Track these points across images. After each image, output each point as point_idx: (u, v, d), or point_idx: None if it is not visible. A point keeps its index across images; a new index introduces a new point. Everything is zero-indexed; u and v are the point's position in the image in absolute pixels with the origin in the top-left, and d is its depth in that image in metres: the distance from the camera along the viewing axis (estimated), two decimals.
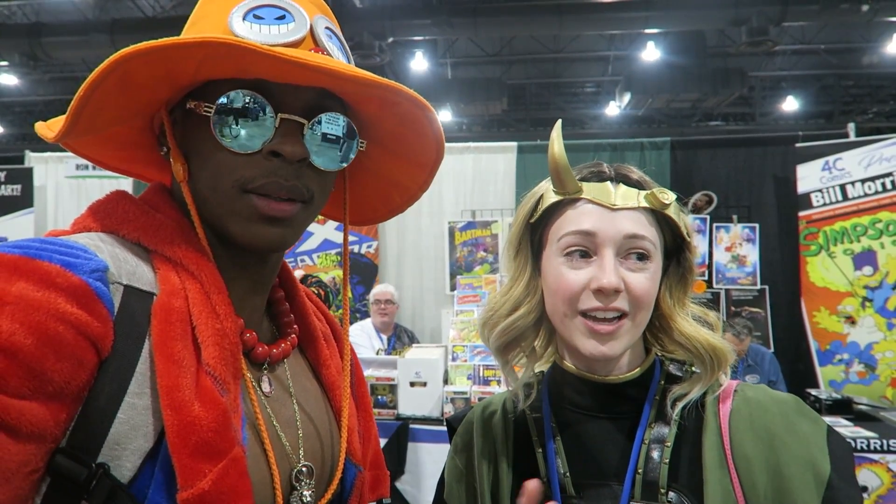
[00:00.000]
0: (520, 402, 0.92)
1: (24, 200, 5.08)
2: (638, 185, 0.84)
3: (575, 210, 0.83)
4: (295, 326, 0.81)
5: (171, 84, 0.66)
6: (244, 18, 0.67)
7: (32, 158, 5.32)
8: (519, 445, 0.91)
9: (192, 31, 0.70)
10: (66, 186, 5.22)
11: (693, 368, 0.87)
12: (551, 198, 0.85)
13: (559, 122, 0.89)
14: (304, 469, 0.72)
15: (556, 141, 0.83)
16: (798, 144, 4.82)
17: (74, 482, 0.55)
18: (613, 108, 12.42)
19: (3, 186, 5.11)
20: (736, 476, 0.77)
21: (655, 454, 0.81)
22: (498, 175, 5.10)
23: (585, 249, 0.81)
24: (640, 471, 0.81)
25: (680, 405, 0.83)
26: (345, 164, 0.72)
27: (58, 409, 0.55)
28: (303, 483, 0.71)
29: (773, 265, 4.86)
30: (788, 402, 0.83)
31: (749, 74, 10.87)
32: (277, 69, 0.63)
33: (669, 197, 0.83)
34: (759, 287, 4.77)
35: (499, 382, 3.43)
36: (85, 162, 3.97)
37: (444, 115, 12.33)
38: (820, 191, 4.64)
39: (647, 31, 8.86)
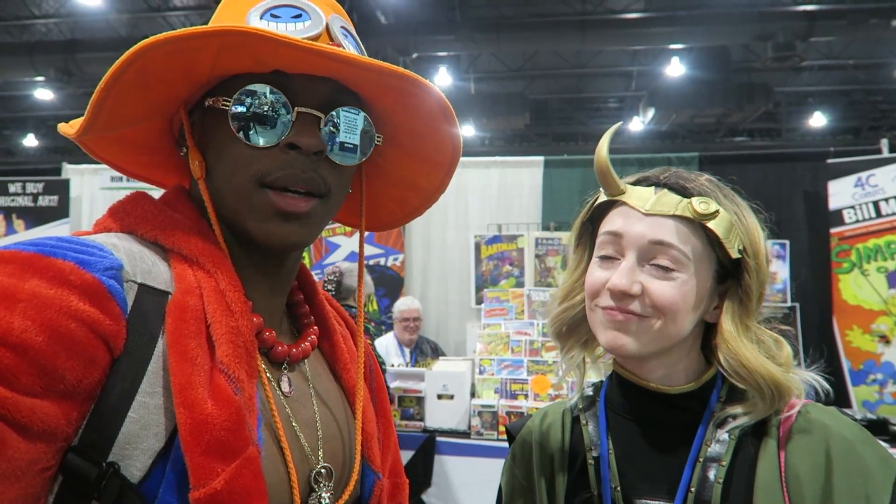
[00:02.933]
0: (576, 411, 0.92)
1: (60, 211, 5.20)
2: (689, 194, 0.82)
3: (615, 211, 0.86)
4: (315, 328, 0.80)
5: (188, 80, 0.66)
6: (261, 17, 0.67)
7: (69, 170, 5.45)
8: (574, 456, 0.91)
9: (214, 23, 0.71)
10: (101, 197, 5.33)
11: None
12: (601, 198, 0.89)
13: (615, 126, 0.91)
14: (322, 471, 0.71)
15: (604, 144, 0.85)
16: (830, 160, 4.75)
17: (85, 481, 0.55)
18: (637, 124, 12.37)
19: (40, 198, 5.25)
20: (787, 498, 0.76)
21: (710, 473, 0.80)
22: (524, 189, 5.11)
23: (614, 251, 0.84)
24: (692, 489, 0.80)
25: (730, 426, 0.82)
26: (362, 159, 0.72)
27: (69, 408, 0.54)
28: (321, 485, 0.70)
29: (804, 283, 4.78)
30: (855, 431, 0.80)
31: (775, 90, 10.77)
32: (294, 58, 0.64)
33: (709, 208, 0.80)
34: (789, 305, 4.69)
35: (526, 396, 3.42)
36: (119, 174, 4.04)
37: (467, 130, 12.37)
38: (852, 207, 4.57)
39: (672, 46, 8.84)
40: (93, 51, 8.56)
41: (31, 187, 5.26)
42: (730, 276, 0.85)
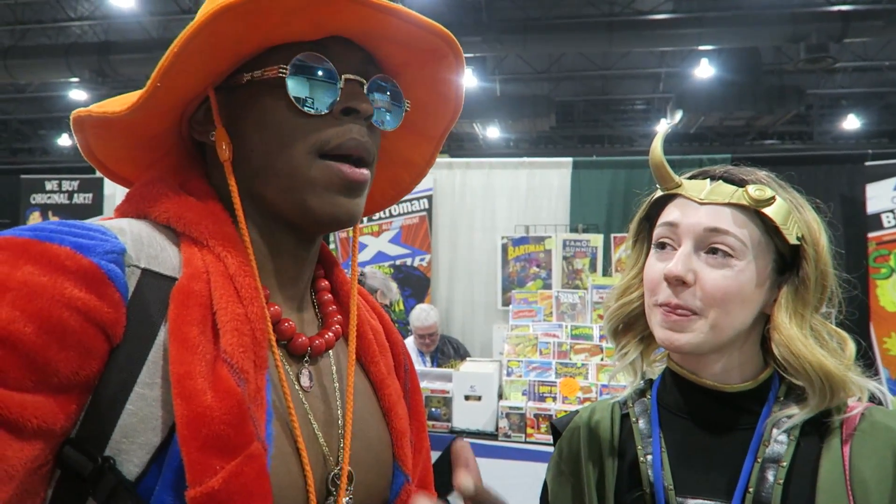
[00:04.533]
0: (626, 408, 0.91)
1: (95, 209, 5.32)
2: (744, 184, 0.82)
3: (671, 205, 0.86)
4: (339, 317, 0.75)
5: (235, 50, 0.64)
6: None
7: None
8: (624, 453, 0.89)
9: None
10: None
11: None
12: (657, 194, 0.89)
13: (667, 126, 0.92)
14: (341, 473, 0.66)
15: (658, 140, 0.85)
16: (867, 163, 4.65)
17: (81, 476, 0.52)
18: (664, 126, 12.23)
19: (76, 195, 5.38)
20: (852, 499, 0.74)
21: (769, 474, 0.78)
22: (552, 191, 5.07)
23: (670, 241, 0.83)
24: (750, 489, 0.78)
25: (786, 425, 0.80)
26: (396, 126, 0.72)
27: (66, 401, 0.51)
28: (341, 488, 0.65)
29: (840, 288, 4.67)
30: None
31: (807, 92, 10.58)
32: (364, 19, 0.63)
33: (765, 193, 0.80)
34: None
35: (554, 399, 3.38)
36: None
37: (493, 132, 12.35)
38: (891, 211, 4.45)
39: (701, 47, 8.72)
40: (126, 52, 8.74)
41: (66, 185, 5.39)
42: (788, 267, 0.84)
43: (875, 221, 4.51)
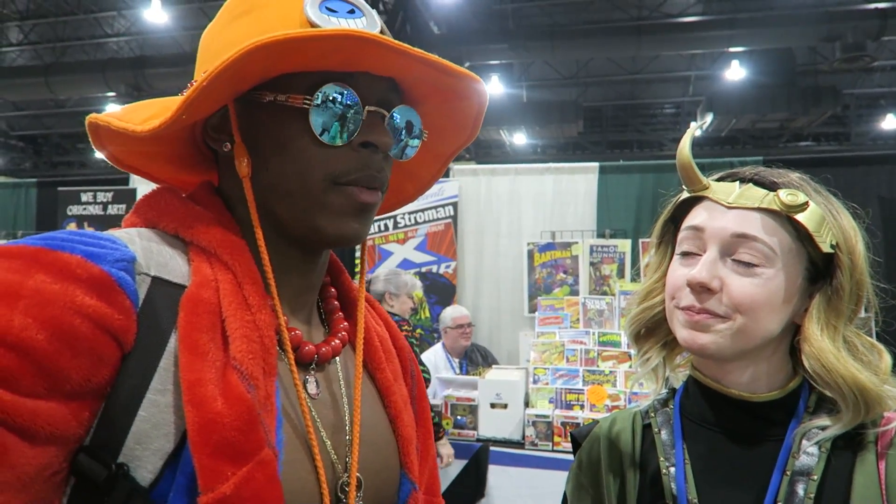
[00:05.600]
0: (648, 418, 0.88)
1: None
2: (775, 188, 0.78)
3: (697, 207, 0.83)
4: (346, 324, 0.76)
5: (262, 76, 0.64)
6: (319, 10, 0.65)
7: (135, 180, 5.69)
8: (645, 465, 0.87)
9: (255, 16, 0.67)
10: None
11: None
12: (683, 195, 0.86)
13: (695, 126, 0.90)
14: (349, 480, 0.66)
15: (686, 140, 0.82)
16: None
17: (95, 483, 0.52)
18: (693, 127, 12.04)
19: (110, 206, 5.53)
20: None
21: (800, 488, 0.75)
22: (578, 196, 5.01)
23: (695, 246, 0.80)
24: (779, 503, 0.75)
25: (817, 437, 0.76)
26: (413, 156, 0.73)
27: (79, 408, 0.52)
28: (350, 495, 0.66)
29: (880, 293, 4.52)
30: None
31: (843, 92, 10.31)
32: (390, 61, 0.64)
33: (797, 199, 0.76)
34: (862, 316, 4.44)
35: (582, 407, 3.33)
36: None
37: (519, 138, 12.32)
38: None
39: (731, 49, 8.57)
40: (160, 66, 8.99)
41: (101, 196, 5.55)
42: (822, 276, 0.80)
43: None
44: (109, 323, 0.53)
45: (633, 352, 0.93)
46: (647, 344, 0.90)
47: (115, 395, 0.54)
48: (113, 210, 5.51)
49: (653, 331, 0.89)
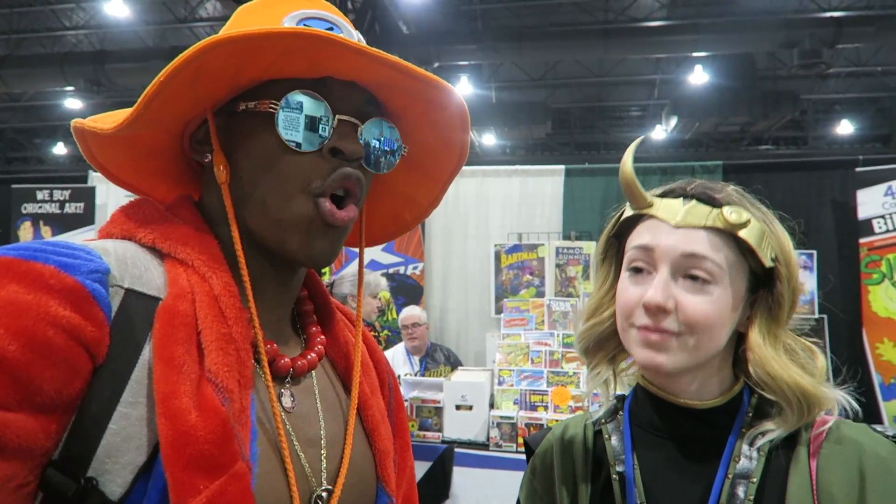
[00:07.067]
0: (599, 425, 0.90)
1: (86, 218, 5.29)
2: (718, 205, 0.81)
3: (643, 225, 0.84)
4: (322, 338, 0.76)
5: (234, 81, 0.65)
6: (296, 25, 0.67)
7: (94, 178, 5.53)
8: (597, 471, 0.89)
9: None
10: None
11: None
12: (628, 212, 0.87)
13: (638, 139, 0.90)
14: (324, 494, 0.66)
15: (628, 157, 0.83)
16: (858, 168, 4.65)
17: (64, 497, 0.51)
18: (659, 132, 12.27)
19: (67, 205, 5.35)
20: None
21: (740, 490, 0.78)
22: (545, 198, 5.07)
23: (645, 265, 0.81)
24: None
25: (760, 442, 0.79)
26: (389, 169, 0.72)
27: (48, 421, 0.51)
28: None
29: (832, 294, 4.67)
30: (889, 448, 0.77)
31: (801, 97, 10.62)
32: (355, 65, 0.64)
33: (741, 217, 0.79)
34: (816, 316, 4.58)
35: (546, 408, 3.37)
36: None
37: (488, 139, 12.38)
38: (882, 217, 4.45)
39: (695, 54, 8.75)
40: (121, 61, 8.77)
41: (57, 194, 5.37)
42: (761, 285, 0.83)
43: (866, 227, 4.51)
44: (82, 334, 0.53)
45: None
46: (596, 358, 0.91)
47: (85, 408, 0.53)
48: (70, 209, 5.34)
49: (601, 345, 0.90)
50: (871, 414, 4.38)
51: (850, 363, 4.64)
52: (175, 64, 0.58)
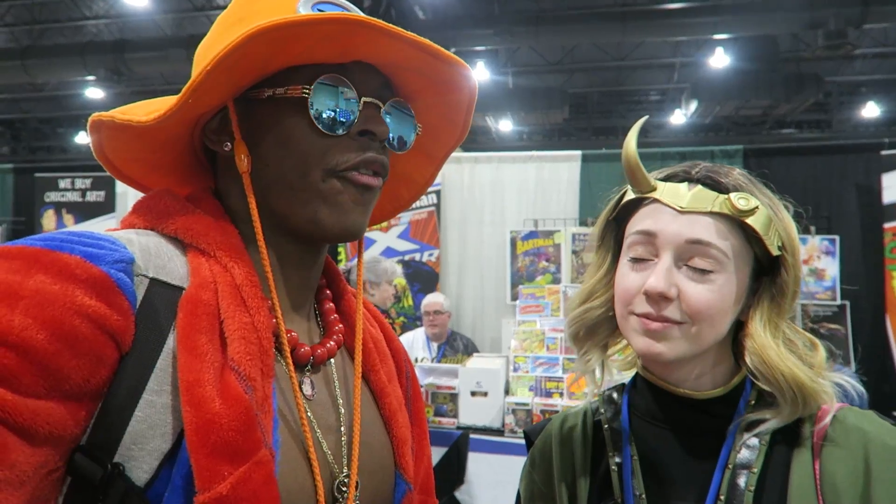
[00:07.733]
0: (598, 415, 0.89)
1: (107, 206, 5.40)
2: (724, 190, 0.78)
3: (645, 209, 0.81)
4: (341, 326, 0.77)
5: (261, 70, 0.65)
6: (311, 10, 0.67)
7: None
8: (596, 461, 0.88)
9: (248, 23, 0.65)
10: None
11: None
12: (629, 195, 0.84)
13: (642, 119, 0.87)
14: (346, 480, 0.67)
15: (631, 138, 0.81)
16: (884, 152, 4.55)
17: (91, 482, 0.53)
18: (679, 117, 12.09)
19: (88, 193, 5.45)
20: None
21: (741, 480, 0.76)
22: (561, 184, 5.03)
23: (648, 251, 0.79)
24: (721, 497, 0.76)
25: (758, 430, 0.78)
26: (407, 150, 0.74)
27: (77, 408, 0.53)
28: (346, 494, 0.66)
29: (855, 279, 4.59)
30: None
31: (825, 80, 10.37)
32: (389, 49, 0.66)
33: (749, 203, 0.76)
34: (838, 303, 4.51)
35: (561, 395, 3.37)
36: None
37: (505, 125, 12.29)
38: None
39: (716, 36, 8.58)
40: (140, 50, 8.82)
41: (79, 183, 5.47)
42: (764, 273, 0.81)
43: (891, 212, 4.42)
44: (108, 323, 0.54)
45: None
46: (587, 344, 0.88)
47: (111, 396, 0.54)
48: (91, 197, 5.44)
49: (593, 331, 0.87)
50: (894, 401, 4.32)
51: (872, 350, 4.58)
52: (223, 52, 0.58)
